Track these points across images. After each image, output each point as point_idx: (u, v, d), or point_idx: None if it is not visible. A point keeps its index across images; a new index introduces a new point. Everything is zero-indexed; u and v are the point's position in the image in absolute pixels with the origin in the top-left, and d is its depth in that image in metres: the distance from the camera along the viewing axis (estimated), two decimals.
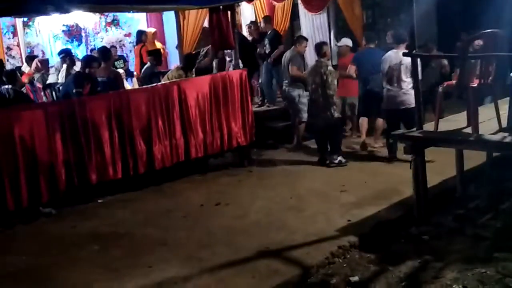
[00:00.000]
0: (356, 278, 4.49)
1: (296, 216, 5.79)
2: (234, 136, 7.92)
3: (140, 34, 10.76)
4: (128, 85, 8.81)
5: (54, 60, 10.49)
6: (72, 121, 6.36)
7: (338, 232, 5.25)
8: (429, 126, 5.71)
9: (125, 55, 11.50)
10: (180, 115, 7.30)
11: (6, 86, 6.69)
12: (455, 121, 5.89)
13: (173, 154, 7.23)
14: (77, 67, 8.23)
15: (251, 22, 10.94)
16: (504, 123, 5.32)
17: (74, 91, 6.82)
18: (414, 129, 5.65)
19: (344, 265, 4.76)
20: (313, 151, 8.14)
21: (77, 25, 11.47)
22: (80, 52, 11.36)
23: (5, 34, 10.55)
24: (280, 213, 5.91)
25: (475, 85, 5.38)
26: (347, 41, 9.16)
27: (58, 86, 8.11)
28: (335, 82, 7.64)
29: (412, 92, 7.04)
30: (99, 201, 6.68)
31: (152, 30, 11.15)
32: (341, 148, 7.73)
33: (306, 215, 5.80)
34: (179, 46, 8.89)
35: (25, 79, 8.25)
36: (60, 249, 5.33)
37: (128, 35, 12.26)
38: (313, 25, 10.76)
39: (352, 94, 8.77)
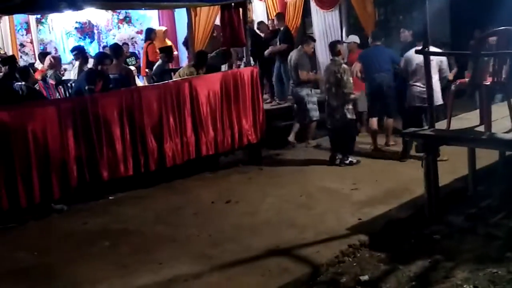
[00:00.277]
0: (366, 277, 4.47)
1: (307, 214, 5.78)
2: (245, 134, 7.92)
3: (149, 32, 10.79)
4: (139, 82, 8.85)
5: (67, 57, 10.57)
6: (84, 118, 6.40)
7: (348, 231, 5.23)
8: (441, 124, 5.65)
9: (137, 52, 11.54)
10: (191, 112, 7.32)
11: (19, 83, 6.75)
12: (468, 119, 5.84)
13: (184, 151, 7.24)
14: (90, 64, 8.27)
15: (259, 22, 10.92)
16: None
17: (86, 88, 6.86)
18: (426, 127, 5.60)
19: (354, 264, 4.75)
20: (324, 149, 8.10)
21: (89, 22, 11.55)
22: (92, 49, 11.43)
23: (18, 31, 10.66)
24: (290, 211, 5.90)
25: (488, 83, 5.32)
26: (354, 38, 9.09)
27: (70, 83, 8.16)
28: (351, 80, 7.54)
29: (438, 89, 7.03)
30: (110, 198, 6.72)
31: (162, 28, 11.18)
32: (353, 149, 7.65)
33: (317, 213, 5.79)
34: (191, 44, 8.88)
35: (38, 76, 8.31)
36: (71, 245, 5.37)
37: (140, 32, 12.31)
38: (325, 22, 10.69)
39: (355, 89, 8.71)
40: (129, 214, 6.16)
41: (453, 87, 6.39)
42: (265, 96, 9.99)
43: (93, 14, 11.03)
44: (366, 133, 8.88)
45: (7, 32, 9.64)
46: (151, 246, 5.22)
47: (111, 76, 7.36)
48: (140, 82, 9.03)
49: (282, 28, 10.21)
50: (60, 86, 8.20)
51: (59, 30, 11.39)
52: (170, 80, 7.77)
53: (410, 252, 4.86)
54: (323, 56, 10.26)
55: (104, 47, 11.17)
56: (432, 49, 7.08)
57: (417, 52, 5.97)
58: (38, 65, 9.37)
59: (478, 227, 5.22)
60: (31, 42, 10.82)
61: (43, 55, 9.56)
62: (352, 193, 6.33)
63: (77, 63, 8.60)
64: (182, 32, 11.35)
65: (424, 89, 7.12)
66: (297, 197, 6.36)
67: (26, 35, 10.91)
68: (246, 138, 7.93)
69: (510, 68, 5.29)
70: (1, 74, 7.86)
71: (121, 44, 9.64)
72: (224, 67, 9.31)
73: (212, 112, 7.54)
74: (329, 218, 5.62)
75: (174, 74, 8.40)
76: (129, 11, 12.12)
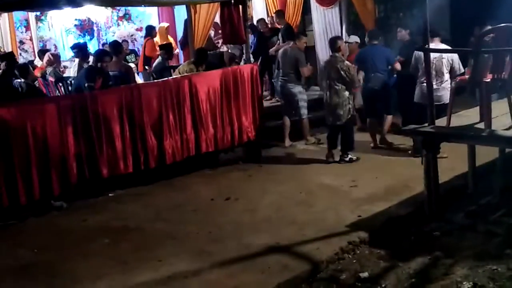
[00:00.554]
0: (365, 274, 4.48)
1: (306, 211, 5.78)
2: (245, 131, 7.91)
3: (150, 29, 10.80)
4: (139, 80, 8.84)
5: (66, 54, 10.56)
6: (83, 115, 6.39)
7: (348, 228, 5.24)
8: (441, 121, 5.64)
9: (136, 49, 11.53)
10: (191, 109, 7.31)
11: (19, 80, 6.73)
12: (468, 116, 5.84)
13: (183, 148, 7.24)
14: (90, 61, 8.27)
15: (258, 20, 10.90)
16: None
17: (86, 85, 6.84)
18: (426, 124, 5.60)
19: (354, 261, 4.76)
20: (322, 148, 8.08)
21: (89, 19, 11.54)
22: (92, 46, 11.42)
23: (18, 28, 10.65)
24: (290, 208, 5.90)
25: (488, 80, 5.31)
26: (356, 38, 9.08)
27: (70, 80, 8.15)
28: (356, 75, 7.51)
29: (448, 87, 6.99)
30: (110, 195, 6.72)
31: (165, 24, 11.17)
32: (353, 146, 7.62)
33: (316, 210, 5.79)
34: (190, 42, 8.86)
35: (37, 73, 8.30)
36: (71, 242, 5.37)
37: (140, 29, 12.31)
38: (325, 20, 10.68)
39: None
40: (129, 211, 6.16)
41: (453, 84, 6.40)
42: (265, 94, 9.98)
43: (92, 11, 11.01)
44: (358, 129, 8.86)
45: (6, 29, 9.62)
46: (151, 243, 5.22)
47: (110, 73, 7.35)
48: (140, 79, 9.02)
49: (282, 26, 10.19)
50: (60, 83, 8.19)
51: (59, 27, 11.38)
52: (170, 77, 7.76)
53: (410, 249, 4.86)
54: (323, 53, 10.26)
55: (103, 44, 11.16)
56: (441, 46, 7.11)
57: (417, 49, 5.96)
58: (38, 62, 9.36)
59: (478, 224, 5.23)
60: (31, 39, 10.82)
61: (42, 52, 9.55)
62: (352, 190, 6.33)
63: (77, 60, 8.59)
64: (181, 29, 11.34)
65: (437, 87, 7.16)
66: (296, 194, 6.36)
67: (25, 32, 10.91)
68: (246, 135, 7.92)
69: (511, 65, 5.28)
70: (0, 71, 7.85)
71: (120, 41, 9.63)
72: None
73: (212, 109, 7.53)
74: (328, 215, 5.62)
75: (174, 71, 8.39)
76: (129, 8, 12.12)
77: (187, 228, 5.54)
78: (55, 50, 10.46)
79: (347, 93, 7.37)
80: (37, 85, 7.60)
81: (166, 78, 7.66)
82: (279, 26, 10.41)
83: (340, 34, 10.27)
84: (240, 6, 7.99)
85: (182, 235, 5.38)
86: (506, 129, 5.15)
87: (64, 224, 5.90)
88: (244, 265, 4.65)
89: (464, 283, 4.14)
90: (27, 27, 10.86)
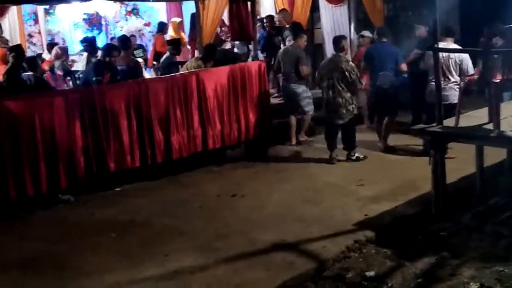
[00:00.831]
0: (372, 273, 4.47)
1: (313, 209, 5.78)
2: (252, 128, 7.91)
3: (162, 24, 10.81)
4: (147, 74, 8.84)
5: (75, 48, 10.58)
6: (91, 109, 6.41)
7: (354, 226, 5.23)
8: (450, 122, 5.62)
9: (144, 44, 11.52)
10: (198, 105, 7.32)
11: (27, 73, 6.75)
12: (476, 116, 5.80)
13: (190, 144, 7.25)
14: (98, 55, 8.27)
15: (267, 16, 10.87)
16: None
17: (94, 79, 6.87)
18: (434, 124, 5.58)
19: (360, 259, 4.75)
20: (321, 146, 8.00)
21: (97, 13, 11.53)
22: (100, 40, 11.42)
23: (26, 21, 10.66)
24: (296, 206, 5.90)
25: (498, 80, 5.29)
26: (369, 33, 9.04)
27: (78, 74, 8.17)
28: (358, 75, 7.43)
29: (456, 87, 6.95)
30: (116, 189, 6.73)
31: (177, 19, 11.16)
32: (355, 144, 7.52)
33: (323, 208, 5.79)
34: (199, 37, 8.86)
35: (45, 66, 8.31)
36: (78, 236, 5.39)
37: (148, 24, 12.31)
38: (333, 18, 10.66)
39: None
40: (135, 206, 6.17)
41: (461, 84, 6.38)
42: (272, 91, 9.96)
43: (101, 6, 10.98)
44: (367, 128, 8.84)
45: (15, 22, 9.62)
46: (157, 238, 5.24)
47: (118, 67, 7.36)
48: (147, 74, 9.02)
49: (288, 25, 10.12)
50: (68, 77, 8.21)
51: (67, 21, 11.38)
52: (177, 73, 7.76)
53: (417, 249, 4.84)
54: (332, 51, 10.19)
55: (112, 38, 11.17)
56: (452, 46, 7.08)
57: (428, 48, 5.93)
58: (46, 55, 9.37)
59: (485, 225, 5.20)
60: (39, 33, 10.83)
61: (51, 45, 9.56)
62: (359, 189, 6.31)
63: (85, 54, 8.61)
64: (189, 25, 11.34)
65: (444, 86, 7.14)
66: (303, 192, 6.35)
67: (34, 25, 10.92)
68: (252, 132, 7.93)
69: None
70: (9, 64, 7.86)
71: (128, 36, 9.63)
72: None
73: (219, 106, 7.53)
74: (335, 213, 5.61)
75: (182, 66, 8.38)
76: (137, 3, 12.11)
77: (193, 224, 5.55)
78: (63, 44, 10.47)
79: (349, 93, 7.31)
80: (45, 79, 7.60)
81: (173, 74, 7.67)
82: (286, 25, 10.37)
83: (348, 32, 10.26)
84: (249, 3, 7.98)
85: (188, 230, 5.39)
86: None
87: (71, 218, 5.93)
88: (250, 261, 4.65)
89: (471, 284, 4.12)
90: (36, 21, 10.87)
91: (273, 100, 9.33)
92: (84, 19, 11.59)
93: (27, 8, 10.47)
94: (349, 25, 10.62)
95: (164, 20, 12.35)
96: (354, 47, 10.43)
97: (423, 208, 5.60)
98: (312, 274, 4.46)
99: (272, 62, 9.26)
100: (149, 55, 10.68)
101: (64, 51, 8.92)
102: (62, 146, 6.20)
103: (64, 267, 4.71)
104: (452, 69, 7.11)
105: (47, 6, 10.72)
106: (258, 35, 9.45)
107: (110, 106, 6.54)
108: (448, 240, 4.98)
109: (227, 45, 10.67)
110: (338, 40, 7.62)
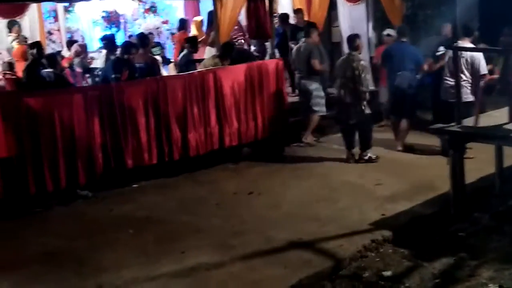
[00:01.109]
0: (389, 273, 4.45)
1: (329, 208, 5.76)
2: (268, 126, 7.90)
3: (183, 22, 10.86)
4: (164, 72, 8.88)
5: (93, 45, 10.66)
6: (110, 106, 6.47)
7: (371, 226, 5.21)
8: (469, 121, 5.56)
9: (162, 42, 11.58)
10: (216, 103, 7.34)
11: (47, 70, 6.83)
12: (496, 116, 5.74)
13: (207, 141, 7.28)
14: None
15: (280, 15, 10.82)
16: None
17: (112, 76, 6.92)
18: (453, 123, 5.53)
19: (377, 259, 4.73)
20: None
21: (116, 11, 11.60)
22: (118, 38, 11.50)
23: (46, 18, 10.78)
24: (313, 205, 5.89)
25: None
26: (393, 32, 8.93)
27: (97, 71, 8.24)
28: (368, 78, 7.35)
29: (467, 85, 6.88)
30: (134, 185, 6.78)
31: (199, 18, 11.19)
32: (371, 144, 7.47)
33: (339, 207, 5.77)
34: (216, 35, 8.86)
35: (65, 63, 8.40)
36: (96, 232, 5.44)
37: (166, 22, 12.35)
38: (351, 16, 10.59)
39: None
40: (152, 202, 6.21)
41: (482, 83, 6.30)
42: (289, 89, 9.94)
43: (119, 4, 11.08)
44: (387, 125, 8.76)
45: (35, 20, 9.75)
46: (174, 235, 5.26)
47: (137, 65, 7.41)
48: (165, 71, 9.06)
49: (304, 24, 10.07)
50: (87, 74, 8.28)
51: (86, 19, 11.48)
52: (195, 71, 7.79)
53: (434, 249, 4.82)
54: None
55: (130, 36, 11.24)
56: (468, 46, 7.00)
57: (447, 47, 5.88)
58: (66, 52, 9.47)
59: (505, 225, 5.15)
60: (59, 30, 10.94)
61: (70, 43, 9.67)
62: (376, 188, 6.28)
63: (104, 52, 8.67)
64: (206, 23, 11.35)
65: (452, 84, 7.07)
66: (320, 190, 6.34)
67: (54, 23, 11.03)
68: (269, 130, 7.92)
69: None
70: (29, 60, 7.96)
71: (146, 34, 9.68)
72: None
73: (236, 103, 7.55)
74: (352, 212, 5.59)
75: (199, 64, 8.40)
76: (155, 0, 12.18)
77: (210, 221, 5.57)
78: (82, 41, 10.57)
79: (360, 92, 7.19)
80: (65, 75, 7.68)
81: (191, 71, 7.70)
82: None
83: (366, 31, 10.18)
84: (266, 1, 7.96)
85: (205, 227, 5.41)
86: None
87: (89, 213, 5.99)
88: (266, 259, 4.65)
89: (490, 285, 4.09)
90: (56, 18, 10.97)
91: (290, 99, 9.31)
92: (103, 17, 11.66)
93: (47, 5, 10.58)
94: (367, 24, 10.54)
95: (181, 17, 12.41)
96: (372, 46, 10.36)
97: (441, 208, 5.57)
98: (329, 272, 4.46)
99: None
100: (169, 53, 10.72)
101: (84, 48, 9.01)
102: (81, 143, 6.26)
103: (82, 262, 4.76)
104: (464, 67, 7.04)
105: (66, 4, 10.82)
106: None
107: (128, 103, 6.58)
108: (466, 241, 4.95)
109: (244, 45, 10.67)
110: (352, 39, 7.57)
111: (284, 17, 10.49)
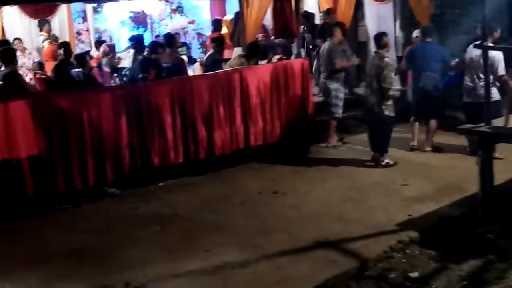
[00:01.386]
0: (415, 274, 4.41)
1: (355, 208, 5.73)
2: (293, 125, 7.89)
3: (217, 22, 10.96)
4: (191, 72, 8.95)
5: (121, 45, 10.81)
6: (137, 105, 6.54)
7: (397, 227, 5.16)
8: (499, 121, 5.45)
9: (188, 42, 11.68)
10: (241, 102, 7.35)
11: (77, 70, 6.95)
12: None
13: (233, 141, 7.30)
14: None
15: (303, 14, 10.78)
16: None
17: (140, 76, 7.00)
18: (482, 124, 5.44)
19: (404, 260, 4.68)
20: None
21: (143, 11, 11.75)
22: (145, 38, 11.63)
23: (75, 19, 10.99)
24: (338, 205, 5.86)
25: None
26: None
27: (125, 71, 8.34)
28: (392, 75, 7.14)
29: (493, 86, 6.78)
30: (160, 184, 6.84)
31: (229, 17, 11.26)
32: (385, 149, 7.23)
33: (365, 207, 5.73)
34: (242, 35, 8.89)
35: (93, 63, 8.53)
36: (122, 229, 5.51)
37: (192, 22, 12.46)
38: (378, 15, 10.51)
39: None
40: (178, 201, 6.26)
41: (511, 82, 6.19)
42: (315, 89, 9.90)
43: (146, 4, 11.22)
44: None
45: (65, 20, 9.95)
46: (199, 233, 5.30)
47: (164, 65, 7.48)
48: (191, 71, 9.13)
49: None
50: (115, 74, 8.40)
51: (114, 19, 11.65)
52: (220, 70, 7.83)
53: (462, 251, 4.75)
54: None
55: (156, 36, 11.36)
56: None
57: (475, 46, 5.79)
58: (94, 52, 9.62)
59: None
60: (87, 30, 11.14)
61: (99, 43, 9.81)
62: (402, 189, 6.22)
63: (132, 52, 8.78)
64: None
65: (476, 85, 6.99)
66: (345, 190, 6.30)
67: (82, 23, 11.22)
68: (294, 130, 7.90)
69: None
70: (58, 60, 8.11)
71: (173, 34, 9.77)
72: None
73: (261, 103, 7.55)
74: (377, 213, 5.54)
75: (225, 64, 8.44)
76: (182, 1, 12.31)
77: (234, 220, 5.58)
78: (110, 41, 10.73)
79: (384, 92, 7.01)
80: (93, 75, 7.81)
81: (217, 71, 7.74)
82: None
83: (393, 30, 10.08)
84: (293, 0, 7.95)
85: (229, 226, 5.43)
86: None
87: (116, 211, 6.06)
88: (291, 258, 4.65)
89: None
90: (84, 18, 11.18)
91: (315, 99, 9.27)
92: (130, 17, 11.83)
93: (76, 6, 10.77)
94: (394, 23, 10.44)
95: (208, 18, 12.50)
96: (399, 45, 10.26)
97: (469, 210, 5.49)
98: (355, 273, 4.43)
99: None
100: (196, 53, 10.80)
101: (112, 48, 9.14)
102: (108, 141, 6.35)
103: (108, 259, 4.82)
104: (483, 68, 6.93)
105: (95, 5, 11.01)
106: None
107: (155, 103, 6.65)
108: (495, 243, 4.87)
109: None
110: (379, 37, 7.42)
111: (305, 15, 10.47)
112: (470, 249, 4.78)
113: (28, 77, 8.12)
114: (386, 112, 7.06)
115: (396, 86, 7.17)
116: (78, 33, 11.09)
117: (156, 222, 5.62)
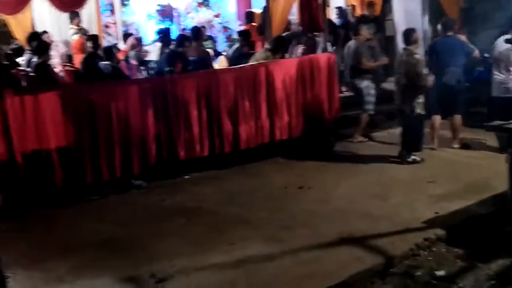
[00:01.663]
0: (442, 273, 4.36)
1: (381, 204, 5.68)
2: (319, 120, 7.85)
3: (250, 14, 10.99)
4: (216, 65, 8.96)
5: (148, 38, 10.89)
6: (163, 98, 6.60)
7: (424, 224, 5.10)
8: None
9: (213, 35, 11.69)
10: (266, 96, 7.35)
11: (105, 62, 7.03)
12: None
13: (258, 135, 7.31)
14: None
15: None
16: None
17: (166, 69, 7.05)
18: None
19: (430, 258, 4.63)
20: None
21: (169, 5, 11.81)
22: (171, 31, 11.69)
23: (103, 12, 11.08)
24: (363, 201, 5.82)
25: None
26: None
27: (152, 63, 8.40)
28: (423, 71, 6.98)
29: None
30: (185, 177, 6.90)
31: (258, 11, 11.27)
32: (417, 147, 7.15)
33: (391, 204, 5.68)
34: (267, 29, 8.87)
35: (121, 56, 8.60)
36: (149, 220, 5.59)
37: (218, 16, 12.48)
38: (405, 9, 10.35)
39: None
40: (203, 194, 6.31)
41: None
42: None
43: None
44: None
45: (93, 13, 10.04)
46: (223, 226, 5.32)
47: (190, 58, 7.51)
48: (216, 65, 9.15)
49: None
50: (142, 67, 8.46)
51: (141, 12, 11.73)
52: (246, 64, 7.82)
53: (490, 250, 4.67)
54: (403, 44, 9.95)
55: (183, 29, 11.42)
56: None
57: (507, 41, 5.68)
58: (122, 45, 9.70)
59: None
60: (115, 23, 11.23)
61: (126, 36, 9.90)
62: (429, 186, 6.14)
63: (159, 45, 8.84)
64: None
65: (506, 79, 6.87)
66: (371, 187, 6.25)
67: (110, 16, 11.33)
68: (320, 125, 7.87)
69: None
70: (86, 53, 8.22)
71: (199, 27, 9.79)
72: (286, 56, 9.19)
73: (287, 97, 7.53)
74: (404, 210, 5.49)
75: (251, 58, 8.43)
76: None
77: (259, 214, 5.60)
78: (137, 34, 10.81)
79: (413, 89, 6.90)
80: (121, 68, 7.88)
81: (242, 65, 7.74)
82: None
83: (421, 24, 9.92)
84: None
85: (254, 220, 5.44)
86: None
87: (142, 202, 6.14)
88: (315, 254, 4.63)
89: None
90: (112, 11, 11.28)
91: (342, 94, 9.21)
92: (157, 10, 11.90)
93: None
94: (422, 17, 10.27)
95: (233, 11, 12.49)
96: (427, 40, 10.09)
97: (497, 208, 5.38)
98: (380, 270, 4.40)
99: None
100: (221, 46, 10.81)
101: (139, 41, 9.20)
102: (135, 133, 6.42)
103: (135, 250, 4.88)
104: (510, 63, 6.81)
105: None
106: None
107: (181, 96, 6.70)
108: None
109: None
110: (408, 33, 7.26)
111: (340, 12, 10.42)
112: (498, 248, 4.69)
113: (57, 69, 8.23)
114: (418, 110, 6.96)
115: (430, 81, 7.03)
116: (106, 26, 11.18)
117: (181, 214, 5.67)
